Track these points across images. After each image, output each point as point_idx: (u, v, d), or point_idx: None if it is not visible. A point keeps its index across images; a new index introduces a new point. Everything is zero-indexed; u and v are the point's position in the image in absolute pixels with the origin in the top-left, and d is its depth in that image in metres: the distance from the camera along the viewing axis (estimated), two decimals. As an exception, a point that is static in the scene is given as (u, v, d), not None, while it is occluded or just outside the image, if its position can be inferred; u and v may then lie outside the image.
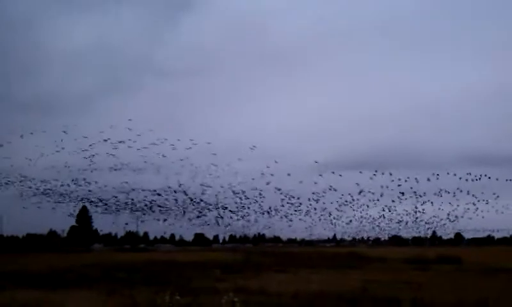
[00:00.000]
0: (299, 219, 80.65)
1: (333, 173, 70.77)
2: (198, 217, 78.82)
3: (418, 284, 26.52)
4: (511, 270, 38.58)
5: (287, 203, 76.66)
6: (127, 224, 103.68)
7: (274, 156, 62.76)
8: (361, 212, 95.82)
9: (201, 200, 73.06)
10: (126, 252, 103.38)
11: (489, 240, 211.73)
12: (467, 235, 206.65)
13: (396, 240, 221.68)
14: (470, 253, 76.45)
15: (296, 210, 79.81)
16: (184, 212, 75.81)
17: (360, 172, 66.84)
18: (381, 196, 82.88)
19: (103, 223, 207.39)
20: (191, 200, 72.15)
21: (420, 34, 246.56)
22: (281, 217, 79.83)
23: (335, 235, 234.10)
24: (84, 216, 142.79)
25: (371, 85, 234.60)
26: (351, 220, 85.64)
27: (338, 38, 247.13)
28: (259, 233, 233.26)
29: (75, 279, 29.87)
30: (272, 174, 65.52)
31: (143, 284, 26.27)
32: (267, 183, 69.59)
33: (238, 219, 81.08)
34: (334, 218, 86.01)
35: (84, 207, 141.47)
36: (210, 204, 73.60)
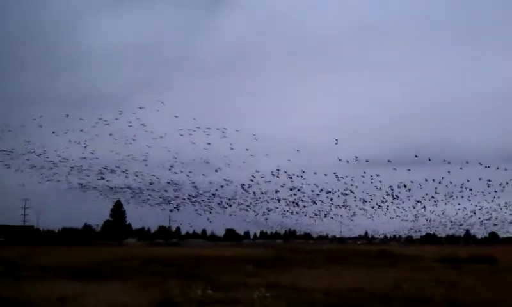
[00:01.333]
0: (335, 215, 79.93)
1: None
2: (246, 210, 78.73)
3: (451, 283, 26.14)
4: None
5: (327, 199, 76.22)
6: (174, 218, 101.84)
7: (314, 152, 61.96)
8: (394, 210, 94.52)
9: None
10: (159, 246, 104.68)
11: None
12: (502, 234, 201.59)
13: (429, 238, 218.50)
14: (505, 252, 74.72)
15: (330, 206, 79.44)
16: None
17: (394, 169, 65.43)
18: (416, 193, 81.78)
19: (136, 217, 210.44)
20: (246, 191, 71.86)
21: (459, 29, 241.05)
22: (320, 215, 79.36)
23: (366, 232, 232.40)
24: (118, 211, 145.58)
25: (405, 80, 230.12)
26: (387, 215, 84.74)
27: (373, 33, 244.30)
28: (290, 229, 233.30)
29: (109, 272, 30.54)
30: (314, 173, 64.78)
31: (176, 278, 26.63)
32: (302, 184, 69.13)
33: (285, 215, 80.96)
34: (368, 215, 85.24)
35: (118, 202, 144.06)
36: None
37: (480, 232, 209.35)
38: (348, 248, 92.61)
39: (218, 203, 73.37)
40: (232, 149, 58.62)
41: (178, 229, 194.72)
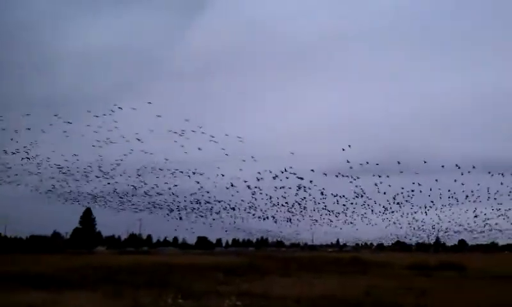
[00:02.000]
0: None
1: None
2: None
3: (421, 290, 26.43)
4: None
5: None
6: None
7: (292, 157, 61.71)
8: (363, 218, 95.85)
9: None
10: (129, 254, 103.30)
11: (492, 247, 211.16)
12: (471, 242, 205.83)
13: (400, 245, 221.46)
14: (473, 260, 76.15)
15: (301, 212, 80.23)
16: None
17: (358, 178, 66.25)
18: (385, 200, 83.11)
19: (106, 225, 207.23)
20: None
21: (430, 36, 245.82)
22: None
23: (338, 240, 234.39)
24: (87, 218, 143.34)
25: (376, 89, 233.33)
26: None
27: (343, 42, 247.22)
28: (262, 237, 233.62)
29: (79, 281, 29.93)
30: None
31: (146, 287, 26.27)
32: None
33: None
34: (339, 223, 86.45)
35: (88, 209, 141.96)
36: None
37: (449, 240, 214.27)
38: (320, 256, 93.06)
39: (192, 209, 73.27)
40: (208, 153, 58.54)
41: (149, 237, 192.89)
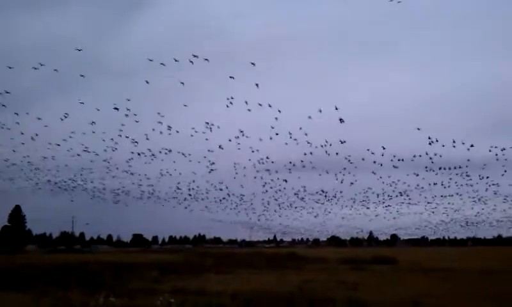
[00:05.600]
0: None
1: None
2: None
3: (354, 284, 27.11)
4: (443, 269, 40.33)
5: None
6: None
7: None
8: (300, 213, 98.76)
9: None
10: (61, 253, 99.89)
11: (423, 241, 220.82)
12: (403, 236, 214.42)
13: (334, 241, 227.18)
14: (405, 253, 79.23)
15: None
16: None
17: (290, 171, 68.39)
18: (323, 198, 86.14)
19: (37, 223, 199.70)
20: None
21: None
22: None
23: (275, 235, 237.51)
24: (17, 216, 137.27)
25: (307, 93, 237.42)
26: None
27: (289, 42, 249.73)
28: (199, 234, 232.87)
29: (7, 281, 28.52)
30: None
31: (77, 286, 25.40)
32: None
33: None
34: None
35: (17, 207, 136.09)
36: None
37: (382, 235, 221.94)
38: (257, 252, 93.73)
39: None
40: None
41: (82, 234, 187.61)
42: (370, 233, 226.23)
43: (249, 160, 65.23)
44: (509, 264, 47.28)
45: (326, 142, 55.48)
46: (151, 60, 39.43)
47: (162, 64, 39.69)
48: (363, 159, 61.89)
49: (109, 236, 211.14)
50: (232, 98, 45.16)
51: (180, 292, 22.30)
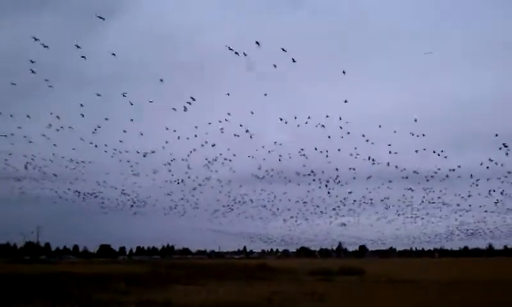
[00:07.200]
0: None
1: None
2: None
3: (320, 294, 27.22)
4: (409, 281, 40.84)
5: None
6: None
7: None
8: (266, 224, 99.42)
9: None
10: (25, 263, 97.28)
11: (391, 252, 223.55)
12: (371, 247, 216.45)
13: (304, 251, 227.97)
14: (372, 265, 80.00)
15: None
16: None
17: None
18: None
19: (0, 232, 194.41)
20: None
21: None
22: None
23: (244, 247, 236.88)
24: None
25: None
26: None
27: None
28: (168, 245, 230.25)
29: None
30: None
31: (41, 298, 24.77)
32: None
33: None
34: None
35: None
36: None
37: (351, 246, 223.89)
38: (226, 263, 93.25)
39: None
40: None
41: (47, 245, 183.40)
42: (339, 244, 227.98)
43: (217, 171, 65.69)
44: (475, 275, 48.21)
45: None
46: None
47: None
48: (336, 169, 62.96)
49: (76, 247, 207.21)
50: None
51: (147, 304, 22.00)
